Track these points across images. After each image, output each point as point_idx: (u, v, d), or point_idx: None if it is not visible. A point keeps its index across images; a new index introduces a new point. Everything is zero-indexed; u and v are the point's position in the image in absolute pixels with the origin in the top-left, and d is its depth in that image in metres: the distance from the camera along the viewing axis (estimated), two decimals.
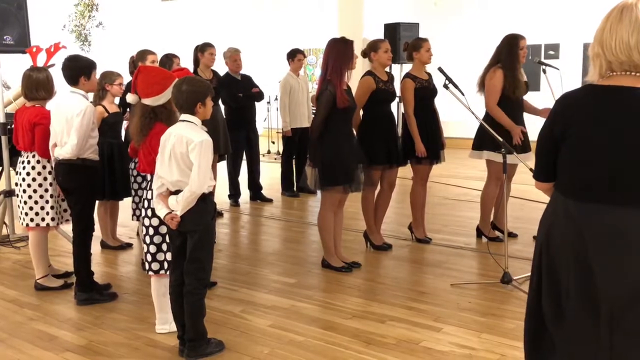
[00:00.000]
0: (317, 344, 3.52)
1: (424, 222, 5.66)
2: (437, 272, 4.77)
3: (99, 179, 4.46)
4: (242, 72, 7.15)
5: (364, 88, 5.04)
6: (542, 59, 6.80)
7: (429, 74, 5.37)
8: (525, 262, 4.96)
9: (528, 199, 7.16)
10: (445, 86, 4.69)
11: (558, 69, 5.46)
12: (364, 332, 3.67)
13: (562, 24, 11.33)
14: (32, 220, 4.31)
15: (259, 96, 7.25)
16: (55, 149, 4.12)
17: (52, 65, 4.44)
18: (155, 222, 3.48)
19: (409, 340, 3.54)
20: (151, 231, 3.50)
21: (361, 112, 5.16)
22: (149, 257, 3.53)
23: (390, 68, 5.59)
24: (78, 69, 4.09)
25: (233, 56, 7.02)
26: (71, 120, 3.99)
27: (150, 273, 3.56)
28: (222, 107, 7.02)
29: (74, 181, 4.10)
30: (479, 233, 5.61)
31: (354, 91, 4.86)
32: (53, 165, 4.22)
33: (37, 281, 4.45)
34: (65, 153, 4.02)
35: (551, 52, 11.55)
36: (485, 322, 3.80)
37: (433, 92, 5.36)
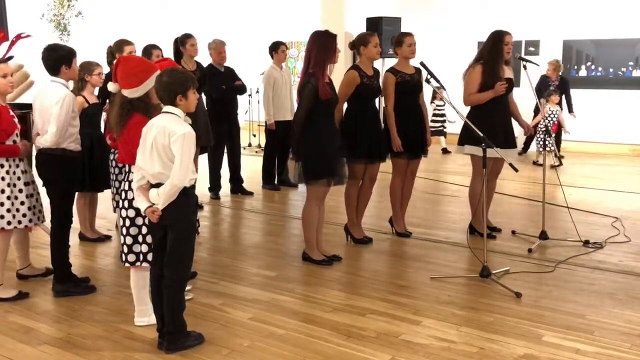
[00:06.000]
0: (297, 337, 3.53)
1: (404, 216, 5.68)
2: (416, 266, 4.80)
3: (78, 170, 4.39)
4: (225, 64, 7.12)
5: (348, 82, 5.03)
6: (523, 55, 6.86)
7: (417, 69, 5.36)
8: (504, 256, 5.01)
9: (506, 193, 7.23)
10: (427, 80, 4.71)
11: (538, 65, 5.52)
12: (344, 325, 3.68)
13: (542, 20, 11.44)
14: (9, 223, 4.03)
15: (242, 89, 7.22)
16: (37, 138, 4.08)
17: (11, 57, 4.15)
18: (131, 213, 3.45)
19: (389, 333, 3.56)
20: (127, 222, 3.47)
21: (344, 106, 5.16)
22: (125, 249, 3.50)
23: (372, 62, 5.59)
24: (59, 58, 4.04)
25: (218, 48, 6.99)
26: (51, 108, 3.94)
27: (127, 265, 3.53)
28: (204, 98, 6.98)
29: (52, 172, 4.05)
30: (472, 230, 5.50)
31: (336, 84, 4.86)
32: (35, 156, 4.14)
33: (19, 272, 4.46)
34: (44, 142, 3.98)
35: (531, 49, 11.64)
36: (464, 315, 3.84)
37: (416, 87, 5.34)
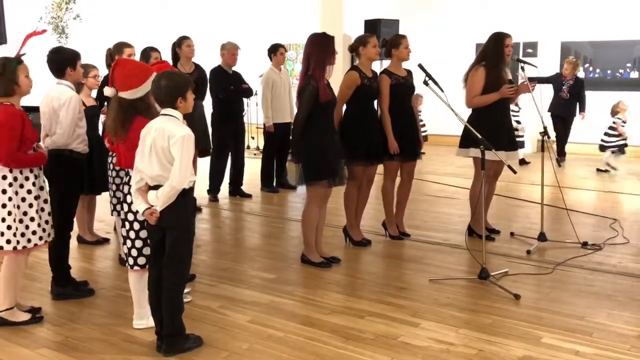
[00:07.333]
0: (296, 339, 3.52)
1: (402, 219, 5.68)
2: (415, 268, 4.80)
3: (82, 172, 4.38)
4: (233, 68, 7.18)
5: (348, 82, 5.04)
6: (521, 57, 6.87)
7: (409, 71, 5.37)
8: (502, 257, 5.01)
9: (505, 195, 7.23)
10: (425, 83, 4.70)
11: (536, 67, 5.53)
12: (343, 327, 3.68)
13: (540, 22, 11.45)
14: (8, 242, 3.59)
15: (249, 92, 7.27)
16: (46, 139, 4.10)
17: (23, 54, 4.05)
18: (131, 216, 3.44)
19: (388, 336, 3.56)
20: (136, 226, 3.46)
21: (343, 108, 5.16)
22: (135, 252, 3.48)
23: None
24: (64, 61, 4.07)
25: (232, 50, 7.08)
26: (58, 110, 3.99)
27: (136, 268, 3.50)
28: (210, 100, 7.03)
29: (58, 171, 4.05)
30: (471, 231, 5.46)
31: (334, 86, 4.86)
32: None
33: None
34: (52, 142, 4.02)
35: (529, 50, 11.66)
36: (463, 317, 3.84)
37: (409, 89, 5.35)
